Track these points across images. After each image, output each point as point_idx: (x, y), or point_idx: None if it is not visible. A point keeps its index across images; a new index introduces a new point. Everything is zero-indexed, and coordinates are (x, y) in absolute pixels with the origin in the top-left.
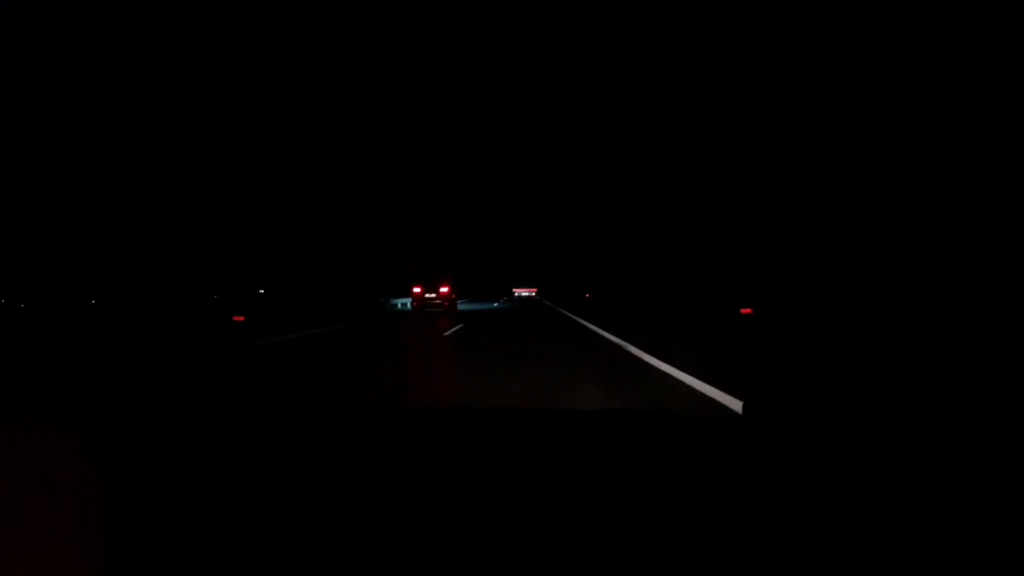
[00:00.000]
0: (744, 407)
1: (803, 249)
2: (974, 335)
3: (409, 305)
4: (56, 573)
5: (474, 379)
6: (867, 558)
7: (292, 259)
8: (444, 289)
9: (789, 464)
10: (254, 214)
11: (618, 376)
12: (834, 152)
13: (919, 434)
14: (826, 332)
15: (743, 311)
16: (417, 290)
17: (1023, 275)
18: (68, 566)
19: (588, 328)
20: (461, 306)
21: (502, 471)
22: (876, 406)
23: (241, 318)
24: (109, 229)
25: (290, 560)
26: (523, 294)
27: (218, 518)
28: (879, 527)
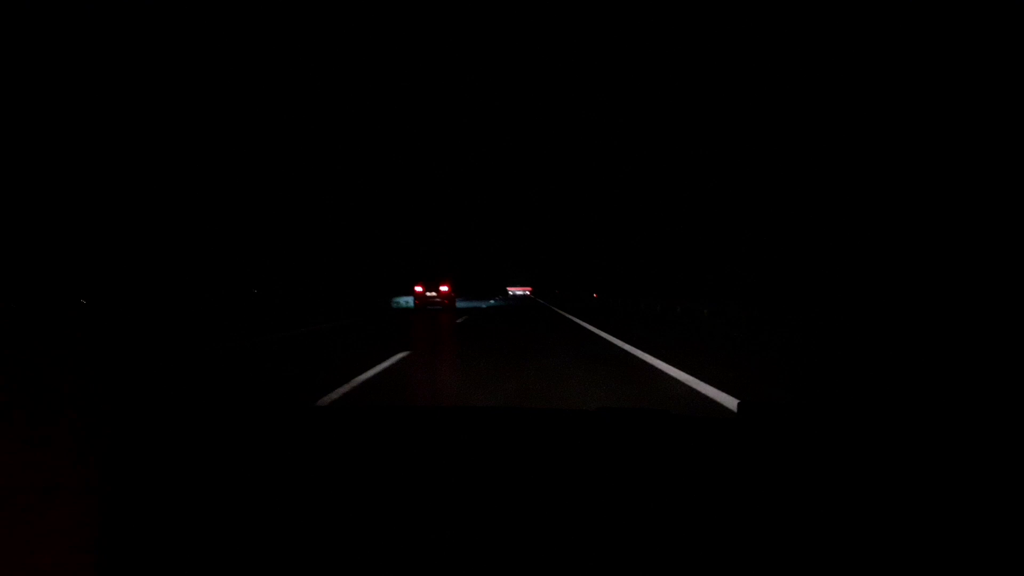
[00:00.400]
0: (739, 406)
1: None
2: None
3: (411, 303)
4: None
5: None
6: (866, 563)
7: (296, 259)
8: (444, 288)
9: (783, 463)
10: (259, 215)
11: None
12: (837, 151)
13: (915, 435)
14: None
15: None
16: (419, 289)
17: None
18: (68, 568)
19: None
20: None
21: (499, 468)
22: (871, 408)
23: None
24: (107, 230)
25: (292, 560)
26: (517, 292)
27: (218, 518)
28: (874, 529)
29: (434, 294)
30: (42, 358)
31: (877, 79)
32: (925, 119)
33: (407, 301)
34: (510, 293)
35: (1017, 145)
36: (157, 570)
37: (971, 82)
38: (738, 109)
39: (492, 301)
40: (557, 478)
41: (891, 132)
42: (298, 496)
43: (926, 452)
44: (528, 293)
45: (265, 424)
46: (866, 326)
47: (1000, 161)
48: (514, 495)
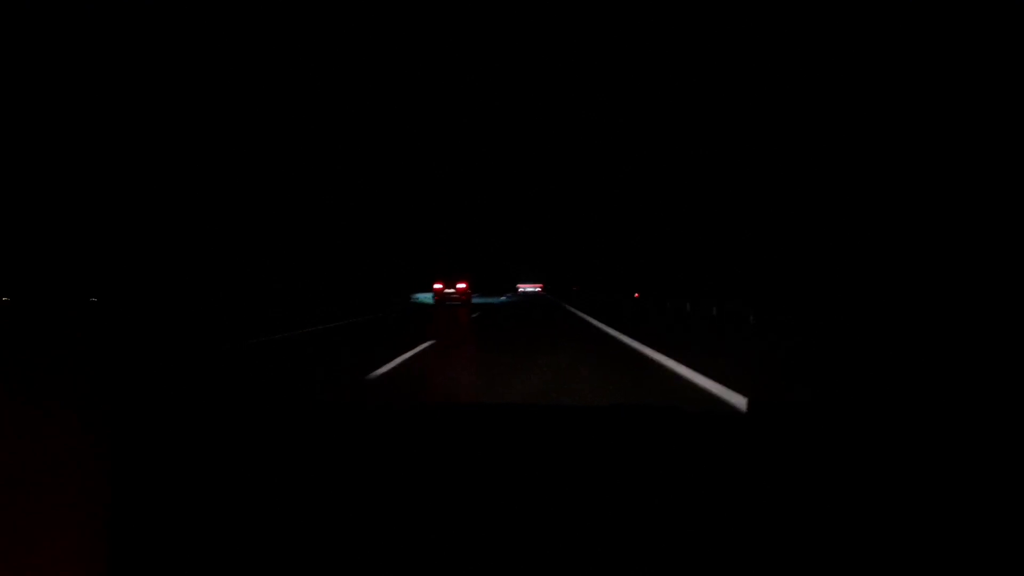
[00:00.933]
0: (749, 404)
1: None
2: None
3: (431, 299)
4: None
5: None
6: (874, 563)
7: (322, 259)
8: (461, 285)
9: (793, 461)
10: (291, 219)
11: None
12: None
13: (924, 432)
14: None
15: None
16: (438, 286)
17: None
18: (70, 567)
19: None
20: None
21: (511, 465)
22: (880, 406)
23: None
24: (121, 228)
25: (296, 558)
26: (528, 289)
27: (223, 516)
28: (883, 530)
29: (452, 291)
30: (43, 357)
31: (877, 79)
32: (926, 119)
33: (427, 297)
34: (520, 290)
35: (1017, 145)
36: (159, 569)
37: (971, 82)
38: (747, 103)
39: (504, 298)
40: (570, 474)
41: (893, 132)
42: (304, 494)
43: (941, 453)
44: (539, 290)
45: (271, 421)
46: (881, 325)
47: (1001, 161)
48: (526, 491)
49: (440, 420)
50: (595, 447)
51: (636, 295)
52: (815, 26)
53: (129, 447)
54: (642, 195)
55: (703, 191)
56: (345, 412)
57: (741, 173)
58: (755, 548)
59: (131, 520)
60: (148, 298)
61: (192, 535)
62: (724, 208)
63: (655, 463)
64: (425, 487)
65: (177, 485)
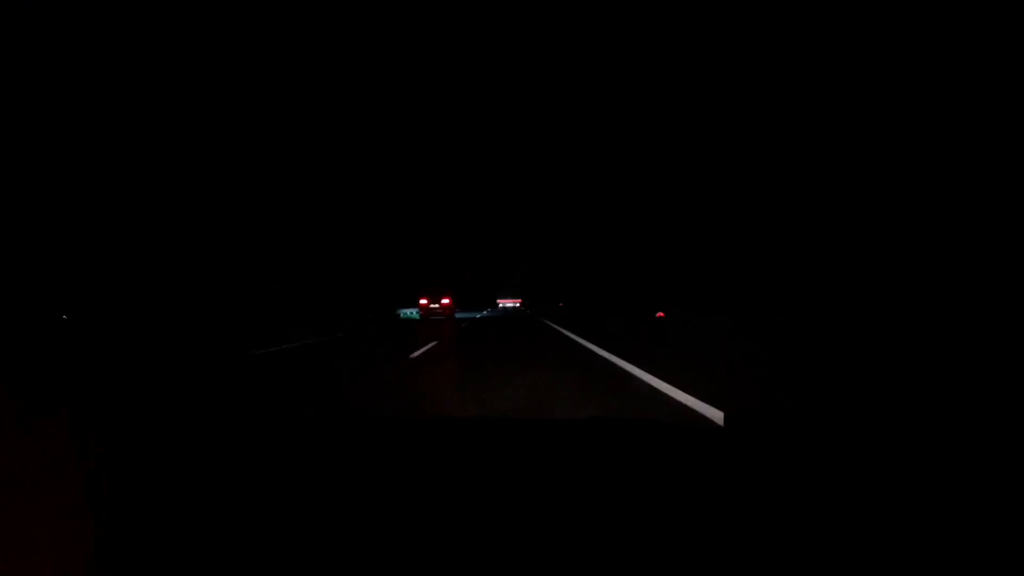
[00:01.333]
0: (725, 418)
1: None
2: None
3: (416, 314)
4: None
5: None
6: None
7: (310, 273)
8: (445, 301)
9: (771, 474)
10: (274, 233)
11: None
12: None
13: (908, 446)
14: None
15: None
16: (424, 301)
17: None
18: (68, 568)
19: None
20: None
21: (490, 479)
22: (859, 415)
23: None
24: (96, 236)
25: (288, 562)
26: (507, 305)
27: (221, 519)
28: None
29: (436, 306)
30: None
31: (877, 79)
32: (924, 119)
33: (413, 312)
34: (500, 305)
35: (1017, 145)
36: (158, 569)
37: (971, 82)
38: (738, 110)
39: (484, 312)
40: (547, 487)
41: (890, 133)
42: (289, 506)
43: (919, 464)
44: (518, 305)
45: (257, 434)
46: (860, 332)
47: (1000, 161)
48: (505, 505)
49: (423, 434)
50: (576, 458)
51: (660, 314)
52: (815, 26)
53: (127, 449)
54: (639, 201)
55: (700, 196)
56: (336, 422)
57: (737, 179)
58: (736, 560)
59: (130, 520)
60: (120, 315)
61: (190, 536)
62: (726, 212)
63: (634, 474)
64: (414, 496)
65: (176, 488)
